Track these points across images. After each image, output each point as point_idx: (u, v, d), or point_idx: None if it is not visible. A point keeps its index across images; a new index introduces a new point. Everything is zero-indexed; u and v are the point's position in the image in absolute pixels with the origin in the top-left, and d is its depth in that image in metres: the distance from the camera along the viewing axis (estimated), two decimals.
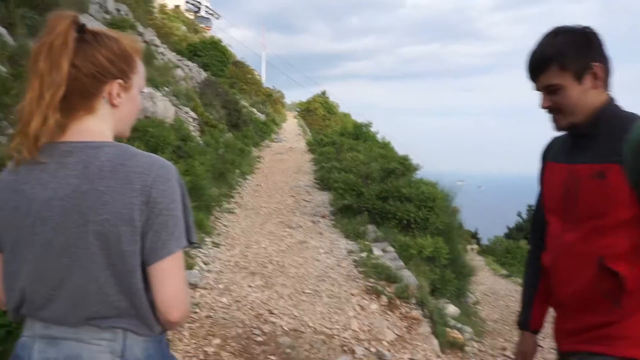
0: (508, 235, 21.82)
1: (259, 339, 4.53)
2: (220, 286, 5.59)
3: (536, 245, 2.05)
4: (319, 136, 22.11)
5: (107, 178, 1.23)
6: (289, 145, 21.65)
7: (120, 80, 1.36)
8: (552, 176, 1.89)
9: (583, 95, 1.71)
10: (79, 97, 1.31)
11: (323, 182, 12.22)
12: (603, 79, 1.73)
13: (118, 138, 1.42)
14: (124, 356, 1.27)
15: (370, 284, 6.09)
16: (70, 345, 1.26)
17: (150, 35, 16.85)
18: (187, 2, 48.24)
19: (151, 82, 11.30)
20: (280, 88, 43.42)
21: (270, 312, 5.13)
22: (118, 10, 14.94)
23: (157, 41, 17.68)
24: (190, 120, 12.46)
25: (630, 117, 1.69)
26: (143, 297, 1.27)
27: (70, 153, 1.27)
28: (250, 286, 5.74)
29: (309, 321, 5.02)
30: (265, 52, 56.75)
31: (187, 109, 12.97)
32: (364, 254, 7.18)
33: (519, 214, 23.62)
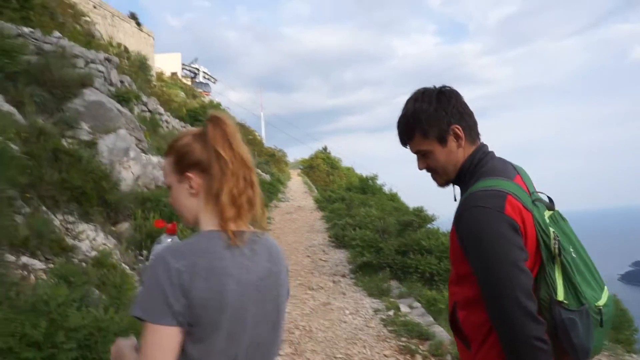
0: None
1: None
2: None
3: None
4: (326, 193, 22.05)
5: (280, 260, 1.58)
6: (297, 203, 21.54)
7: None
8: None
9: (450, 156, 1.83)
10: None
11: (338, 240, 12.04)
12: (464, 136, 1.82)
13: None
14: None
15: (402, 343, 5.86)
16: None
17: (153, 104, 17.06)
18: (183, 68, 49.21)
19: (158, 150, 11.32)
20: (281, 147, 43.83)
21: None
22: (122, 81, 15.16)
23: (161, 109, 17.89)
24: None
25: (482, 173, 1.78)
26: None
27: (254, 241, 1.52)
28: (280, 355, 5.51)
29: None
30: (263, 112, 57.57)
31: None
32: (391, 312, 6.96)
33: None
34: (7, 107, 7.70)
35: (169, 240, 1.76)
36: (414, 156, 1.94)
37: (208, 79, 53.72)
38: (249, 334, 1.45)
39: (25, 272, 4.55)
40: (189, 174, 1.53)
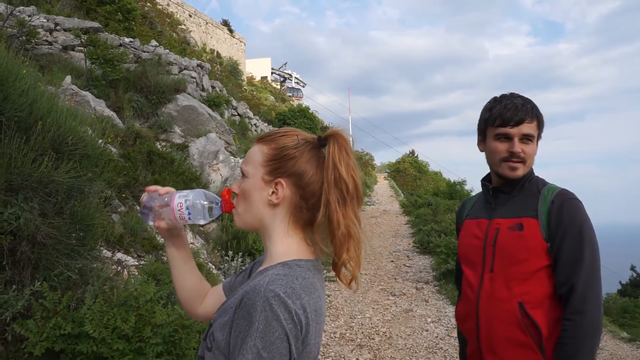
0: (622, 292, 20.12)
1: None
2: None
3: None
4: (413, 197, 21.79)
5: None
6: (383, 208, 21.44)
7: None
8: (469, 231, 2.09)
9: (535, 155, 2.00)
10: None
11: (423, 246, 11.87)
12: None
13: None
14: None
15: None
16: None
17: (243, 108, 17.57)
18: (273, 72, 50.29)
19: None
20: (368, 150, 43.70)
21: None
22: (213, 87, 15.74)
23: (250, 113, 18.40)
24: None
25: (541, 180, 2.01)
26: None
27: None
28: None
29: None
30: (351, 116, 57.74)
31: None
32: None
33: (633, 268, 21.73)
34: (108, 112, 8.19)
35: (215, 207, 1.38)
36: None
37: (297, 82, 54.63)
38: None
39: (119, 268, 4.83)
40: (282, 181, 1.31)
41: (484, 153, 2.08)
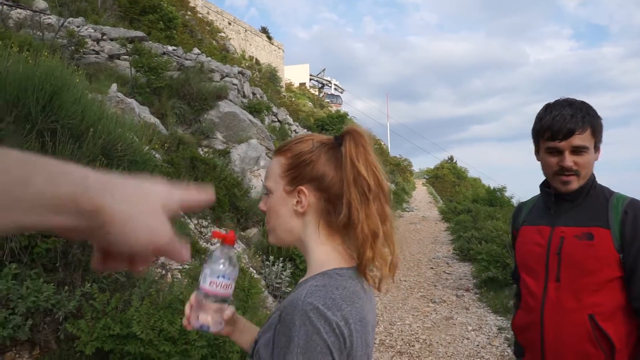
0: None
1: None
2: None
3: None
4: (452, 204, 21.57)
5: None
6: (421, 214, 21.29)
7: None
8: (529, 237, 2.03)
9: (592, 163, 1.92)
10: None
11: (463, 253, 11.74)
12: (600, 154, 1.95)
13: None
14: None
15: None
16: None
17: (283, 114, 17.72)
18: (311, 79, 50.52)
19: None
20: (406, 156, 43.48)
21: None
22: (254, 93, 15.93)
23: (290, 119, 18.54)
24: None
25: (607, 188, 1.96)
26: None
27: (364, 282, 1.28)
28: None
29: None
30: (389, 122, 57.58)
31: None
32: None
33: None
34: (152, 119, 8.39)
35: (227, 251, 1.29)
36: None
37: (336, 89, 54.78)
38: None
39: (164, 271, 4.94)
40: (303, 188, 1.27)
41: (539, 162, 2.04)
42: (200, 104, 10.54)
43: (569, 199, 1.94)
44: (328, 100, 45.93)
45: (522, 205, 2.23)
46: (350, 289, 1.18)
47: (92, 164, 3.52)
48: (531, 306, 1.95)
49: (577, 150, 1.88)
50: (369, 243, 1.21)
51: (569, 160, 1.88)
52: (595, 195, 1.92)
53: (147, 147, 4.67)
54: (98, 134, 3.67)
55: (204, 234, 6.72)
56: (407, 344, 6.24)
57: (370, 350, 1.21)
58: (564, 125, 1.87)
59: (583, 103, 1.93)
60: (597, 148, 1.92)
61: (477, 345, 6.34)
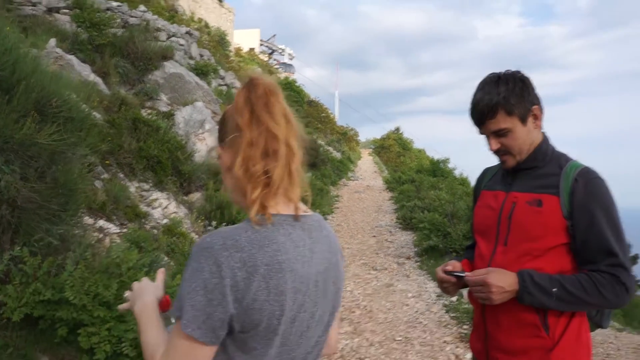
0: None
1: None
2: None
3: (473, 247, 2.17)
4: (397, 174, 21.85)
5: (339, 248, 1.39)
6: (366, 183, 21.50)
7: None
8: (485, 202, 2.06)
9: (528, 135, 1.90)
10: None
11: (405, 222, 11.94)
12: (540, 118, 1.94)
13: None
14: None
15: (464, 331, 5.77)
16: None
17: (230, 78, 17.38)
18: (261, 45, 49.71)
19: None
20: (353, 126, 43.63)
21: None
22: (201, 55, 15.52)
23: (237, 83, 18.21)
24: None
25: (564, 156, 1.95)
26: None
27: (315, 228, 1.31)
28: (339, 333, 5.55)
29: None
30: (338, 91, 57.55)
31: None
32: (454, 298, 6.86)
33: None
34: (93, 77, 8.04)
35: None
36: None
37: (284, 55, 54.09)
38: (306, 336, 1.28)
39: (101, 235, 4.79)
40: (219, 146, 1.34)
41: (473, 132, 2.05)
42: (144, 63, 10.16)
43: (524, 166, 1.95)
44: (281, 69, 45.32)
45: (486, 170, 2.23)
46: (264, 233, 1.18)
47: (23, 120, 3.32)
48: (478, 268, 1.97)
49: (498, 133, 1.90)
50: (248, 185, 1.22)
51: (493, 144, 1.92)
52: (551, 163, 1.92)
53: (86, 106, 4.45)
54: (31, 88, 3.47)
55: (144, 198, 6.55)
56: (348, 310, 6.32)
57: (285, 297, 1.17)
58: (474, 114, 1.92)
59: (495, 82, 1.90)
60: (527, 119, 1.89)
61: (416, 311, 6.49)
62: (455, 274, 1.95)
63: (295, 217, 1.27)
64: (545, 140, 1.96)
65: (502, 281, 1.78)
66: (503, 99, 1.86)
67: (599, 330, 6.68)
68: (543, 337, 1.82)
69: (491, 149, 1.94)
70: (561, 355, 1.82)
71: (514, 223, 1.89)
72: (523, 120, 1.89)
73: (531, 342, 1.83)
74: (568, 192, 1.83)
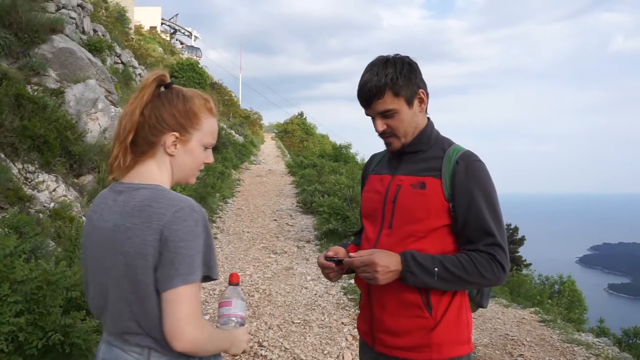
0: None
1: None
2: (206, 317, 5.34)
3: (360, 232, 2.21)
4: (299, 158, 21.96)
5: (135, 216, 1.43)
6: (269, 167, 21.44)
7: (176, 133, 1.53)
8: (372, 186, 2.08)
9: (413, 118, 1.94)
10: (144, 142, 1.53)
11: (306, 206, 12.02)
12: (426, 102, 1.98)
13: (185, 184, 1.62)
14: None
15: None
16: (118, 352, 1.48)
17: (127, 56, 16.64)
18: (163, 23, 48.02)
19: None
20: (257, 110, 43.31)
21: (260, 345, 4.92)
22: (95, 31, 14.70)
23: (135, 62, 17.47)
24: None
25: (447, 140, 2.00)
26: (157, 322, 1.40)
27: (121, 192, 1.51)
28: None
29: (301, 353, 4.82)
30: (242, 74, 56.84)
31: None
32: (352, 281, 6.99)
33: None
34: None
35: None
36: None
37: (187, 35, 52.56)
38: (95, 275, 1.53)
39: None
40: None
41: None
42: (30, 36, 9.44)
43: (408, 150, 1.98)
44: (187, 52, 43.89)
45: (374, 156, 2.25)
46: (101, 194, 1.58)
47: None
48: (365, 250, 1.97)
49: (385, 114, 1.92)
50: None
51: (379, 125, 1.94)
52: (435, 147, 1.96)
53: None
54: None
55: (29, 180, 6.12)
56: (247, 294, 6.28)
57: (84, 240, 1.58)
58: (362, 95, 1.94)
59: (384, 64, 1.93)
60: (413, 102, 1.93)
61: (315, 294, 6.55)
62: (335, 259, 1.94)
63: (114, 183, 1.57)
64: (429, 124, 2.01)
65: (386, 261, 1.80)
66: (391, 80, 1.88)
67: (489, 307, 7.08)
68: (426, 317, 1.86)
69: (377, 130, 1.96)
70: (442, 334, 1.86)
71: (399, 206, 1.92)
72: (409, 103, 1.92)
73: (414, 322, 1.87)
74: (450, 174, 1.88)
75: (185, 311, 1.37)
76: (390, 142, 1.98)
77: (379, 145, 2.13)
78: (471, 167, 1.88)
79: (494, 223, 1.85)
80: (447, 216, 1.87)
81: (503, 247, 1.84)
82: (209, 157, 1.64)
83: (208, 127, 1.60)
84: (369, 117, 1.99)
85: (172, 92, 1.57)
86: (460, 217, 1.86)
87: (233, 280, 1.74)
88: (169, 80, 1.59)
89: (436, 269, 1.79)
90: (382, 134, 1.98)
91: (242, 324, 1.66)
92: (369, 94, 1.90)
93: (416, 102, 1.94)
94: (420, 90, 1.95)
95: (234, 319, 1.64)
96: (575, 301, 16.33)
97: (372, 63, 1.95)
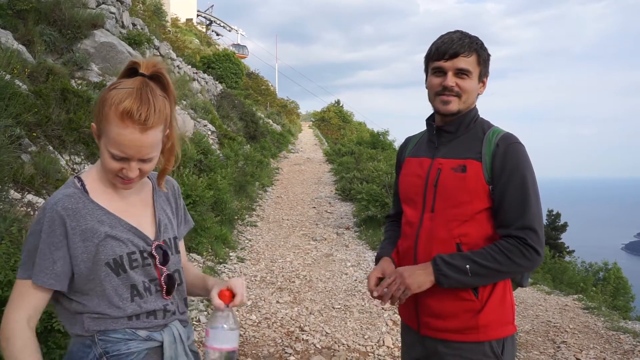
0: None
1: (292, 358, 4.38)
2: (249, 303, 5.45)
3: (396, 216, 2.24)
4: (337, 146, 21.96)
5: None
6: (307, 155, 21.52)
7: (93, 124, 1.44)
8: (411, 169, 2.07)
9: (475, 92, 1.96)
10: None
11: (344, 193, 12.06)
12: (484, 88, 2.02)
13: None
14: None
15: None
16: None
17: (165, 48, 16.88)
18: (199, 15, 48.47)
19: None
20: (294, 99, 43.43)
21: (302, 329, 4.98)
22: (134, 24, 14.97)
23: (173, 55, 17.72)
24: (209, 133, 12.37)
25: (486, 122, 2.00)
26: None
27: None
28: (278, 302, 5.59)
29: (342, 338, 4.86)
30: (278, 63, 57.07)
31: (206, 122, 12.89)
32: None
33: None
34: (16, 45, 7.63)
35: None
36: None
37: (223, 26, 52.94)
38: None
39: (30, 210, 4.60)
40: None
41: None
42: (73, 32, 9.70)
43: (450, 130, 1.97)
44: (234, 50, 44.30)
45: (409, 138, 2.24)
46: None
47: None
48: (408, 234, 2.00)
49: (461, 73, 1.91)
50: None
51: (451, 80, 1.91)
52: (475, 129, 1.96)
53: (6, 74, 4.22)
54: None
55: (76, 171, 6.32)
56: (288, 280, 6.36)
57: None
58: (450, 46, 1.91)
59: (474, 36, 1.96)
60: (481, 80, 1.97)
61: (355, 280, 6.59)
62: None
63: None
64: (476, 108, 2.01)
65: (409, 269, 1.85)
66: (481, 47, 1.94)
67: (530, 293, 7.00)
68: (472, 300, 1.87)
69: (447, 84, 1.92)
70: (488, 315, 1.87)
71: (440, 190, 1.91)
72: (479, 77, 1.96)
73: (461, 305, 1.88)
74: (490, 156, 1.88)
75: (9, 304, 1.38)
76: (449, 101, 1.93)
77: (414, 130, 2.12)
78: (510, 149, 1.87)
79: (529, 205, 1.84)
80: (488, 199, 1.87)
81: (536, 229, 1.82)
82: (125, 170, 1.39)
83: (112, 135, 1.34)
84: (434, 73, 1.96)
85: (118, 81, 1.44)
86: (497, 198, 1.86)
87: (222, 300, 1.48)
88: (142, 69, 1.42)
89: (467, 265, 1.80)
90: (446, 90, 1.93)
91: (228, 358, 1.42)
92: (460, 47, 1.90)
93: (482, 83, 1.99)
94: (486, 78, 2.00)
95: (210, 352, 1.42)
96: (621, 289, 15.95)
97: (458, 31, 1.98)
